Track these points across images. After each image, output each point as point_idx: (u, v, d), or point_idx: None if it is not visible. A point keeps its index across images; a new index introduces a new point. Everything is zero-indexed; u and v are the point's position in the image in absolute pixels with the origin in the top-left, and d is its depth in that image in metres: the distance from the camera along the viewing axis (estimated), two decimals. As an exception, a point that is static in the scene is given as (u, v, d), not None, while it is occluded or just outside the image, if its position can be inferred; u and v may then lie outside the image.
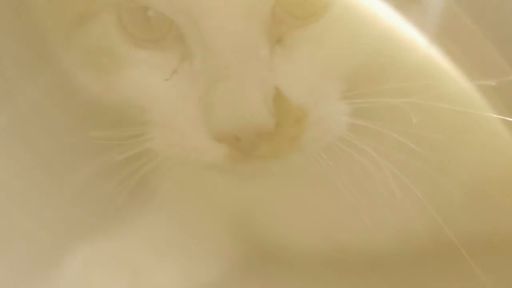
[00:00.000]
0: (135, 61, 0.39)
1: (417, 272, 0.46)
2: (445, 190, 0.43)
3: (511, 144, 0.44)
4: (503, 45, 0.44)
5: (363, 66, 0.38)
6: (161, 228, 0.49)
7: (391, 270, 0.47)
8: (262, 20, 0.36)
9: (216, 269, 0.49)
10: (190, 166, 0.42)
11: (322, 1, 0.37)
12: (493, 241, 0.46)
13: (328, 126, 0.38)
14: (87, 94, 0.41)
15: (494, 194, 0.46)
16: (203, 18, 0.36)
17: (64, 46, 0.41)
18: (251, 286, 0.49)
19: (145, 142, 0.40)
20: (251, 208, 0.48)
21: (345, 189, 0.42)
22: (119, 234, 0.48)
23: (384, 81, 0.39)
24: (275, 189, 0.46)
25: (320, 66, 0.38)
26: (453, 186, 0.43)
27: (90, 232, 0.47)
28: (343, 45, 0.38)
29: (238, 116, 0.35)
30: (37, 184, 0.47)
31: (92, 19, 0.39)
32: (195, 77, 0.37)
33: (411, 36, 0.40)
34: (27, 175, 0.47)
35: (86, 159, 0.42)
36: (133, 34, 0.38)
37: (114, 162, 0.41)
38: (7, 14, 0.45)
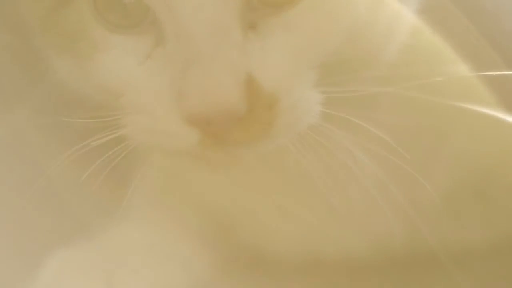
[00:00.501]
0: (109, 46, 0.39)
1: (394, 279, 0.45)
2: (423, 189, 0.41)
3: (495, 143, 0.43)
4: (495, 39, 0.43)
5: (338, 54, 0.38)
6: (137, 233, 0.49)
7: (367, 276, 0.46)
8: (236, 7, 0.36)
9: (193, 274, 0.49)
10: (164, 153, 0.42)
11: None
12: (471, 248, 0.44)
13: (300, 114, 0.38)
14: (62, 80, 0.42)
15: (469, 199, 0.45)
16: (178, 3, 0.36)
17: (42, 32, 0.41)
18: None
19: (119, 128, 0.40)
20: (227, 210, 0.48)
21: (320, 184, 0.41)
22: (94, 239, 0.48)
23: (362, 69, 0.39)
24: (250, 187, 0.46)
25: (293, 54, 0.37)
26: (431, 186, 0.41)
27: (65, 237, 0.47)
28: (317, 33, 0.38)
29: (210, 99, 0.35)
30: (11, 180, 0.47)
31: (68, 4, 0.39)
32: (168, 61, 0.37)
33: (392, 24, 0.39)
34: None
35: (60, 147, 0.42)
36: (108, 20, 0.38)
37: (88, 149, 0.41)
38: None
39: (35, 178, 0.46)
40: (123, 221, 0.49)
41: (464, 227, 0.45)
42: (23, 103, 0.46)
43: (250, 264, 0.48)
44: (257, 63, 0.36)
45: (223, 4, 0.36)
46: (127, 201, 0.49)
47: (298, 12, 0.37)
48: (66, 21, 0.39)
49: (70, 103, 0.43)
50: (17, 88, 0.46)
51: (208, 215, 0.49)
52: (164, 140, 0.38)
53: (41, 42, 0.42)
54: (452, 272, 0.43)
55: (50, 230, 0.48)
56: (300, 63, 0.37)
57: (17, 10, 0.43)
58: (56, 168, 0.43)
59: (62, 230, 0.48)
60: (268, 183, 0.46)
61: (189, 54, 0.36)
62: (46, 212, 0.48)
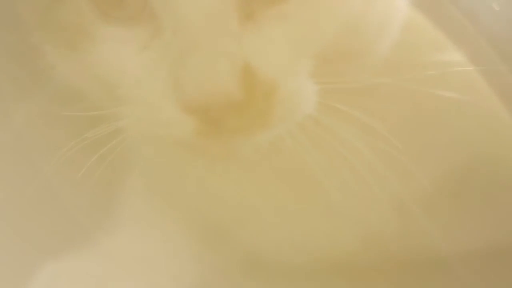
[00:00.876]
0: (107, 37, 0.39)
1: (393, 278, 0.45)
2: (416, 180, 0.41)
3: (492, 134, 0.43)
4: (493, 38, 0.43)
5: (334, 45, 0.38)
6: (132, 238, 0.49)
7: (367, 277, 0.46)
8: None
9: (191, 277, 0.49)
10: (160, 145, 0.42)
11: None
12: (470, 245, 0.44)
13: (297, 103, 0.38)
14: (60, 76, 0.42)
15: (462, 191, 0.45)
16: None
17: (39, 28, 0.42)
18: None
19: (116, 121, 0.40)
20: (224, 211, 0.48)
21: (317, 177, 0.41)
22: (87, 249, 0.48)
23: (358, 61, 0.39)
24: (246, 188, 0.46)
25: (290, 44, 0.38)
26: (426, 179, 0.41)
27: (57, 247, 0.47)
28: (313, 24, 0.38)
29: (207, 87, 0.35)
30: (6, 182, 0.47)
31: None
32: (166, 52, 0.37)
33: (387, 16, 0.40)
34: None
35: (57, 143, 0.42)
36: (106, 12, 0.39)
37: (83, 146, 0.41)
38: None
39: (31, 178, 0.46)
40: (116, 226, 0.49)
41: (460, 222, 0.45)
42: (20, 100, 0.46)
43: (247, 267, 0.48)
44: (254, 51, 0.37)
45: None
46: (121, 202, 0.50)
47: (294, 3, 0.37)
48: (63, 15, 0.39)
49: (67, 98, 0.43)
50: (14, 86, 0.46)
51: (205, 217, 0.48)
52: (161, 130, 0.38)
53: (38, 39, 0.42)
54: (451, 270, 0.43)
55: (42, 236, 0.47)
56: (297, 53, 0.38)
57: (14, 8, 0.43)
58: (52, 167, 0.43)
59: (55, 237, 0.47)
60: (264, 182, 0.46)
61: (187, 44, 0.36)
62: (38, 217, 0.48)
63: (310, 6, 0.38)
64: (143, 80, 0.38)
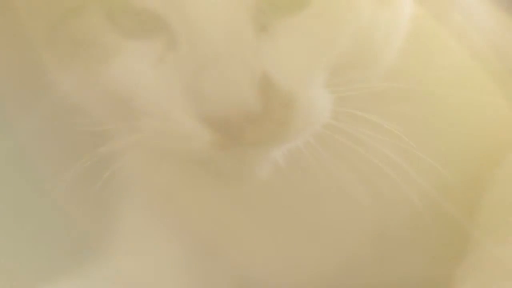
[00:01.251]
0: (121, 50, 0.39)
1: None
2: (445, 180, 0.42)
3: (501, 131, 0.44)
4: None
5: (348, 54, 0.39)
6: (128, 261, 0.49)
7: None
8: (247, 10, 0.37)
9: None
10: (174, 160, 0.42)
11: None
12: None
13: (314, 113, 0.38)
14: (66, 93, 0.41)
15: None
16: (191, 10, 0.37)
17: (47, 44, 0.41)
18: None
19: (130, 134, 0.40)
20: (228, 234, 0.48)
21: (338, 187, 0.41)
22: (83, 273, 0.48)
23: (371, 67, 0.40)
24: (240, 212, 0.47)
25: (304, 54, 0.38)
26: (451, 176, 0.42)
27: (53, 272, 0.46)
28: (325, 35, 0.38)
29: (225, 99, 0.36)
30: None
31: (78, 13, 0.39)
32: (181, 64, 0.38)
33: (397, 23, 0.41)
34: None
35: (65, 162, 0.42)
36: (121, 26, 0.39)
37: (97, 159, 0.40)
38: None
39: (38, 196, 0.46)
40: (110, 252, 0.49)
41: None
42: (29, 115, 0.45)
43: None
44: (271, 63, 0.37)
45: (235, 8, 0.37)
46: (126, 221, 0.49)
47: (306, 15, 0.38)
48: (76, 30, 0.39)
49: (79, 113, 0.42)
50: (22, 99, 0.45)
51: (209, 237, 0.49)
52: (177, 143, 0.38)
53: (44, 56, 0.42)
54: None
55: (35, 266, 0.47)
56: (313, 63, 0.38)
57: (19, 26, 0.42)
58: (61, 184, 0.43)
59: (48, 267, 0.47)
60: (275, 204, 0.46)
61: (203, 57, 0.37)
62: (40, 240, 0.47)
63: (321, 17, 0.38)
64: (158, 93, 0.38)
